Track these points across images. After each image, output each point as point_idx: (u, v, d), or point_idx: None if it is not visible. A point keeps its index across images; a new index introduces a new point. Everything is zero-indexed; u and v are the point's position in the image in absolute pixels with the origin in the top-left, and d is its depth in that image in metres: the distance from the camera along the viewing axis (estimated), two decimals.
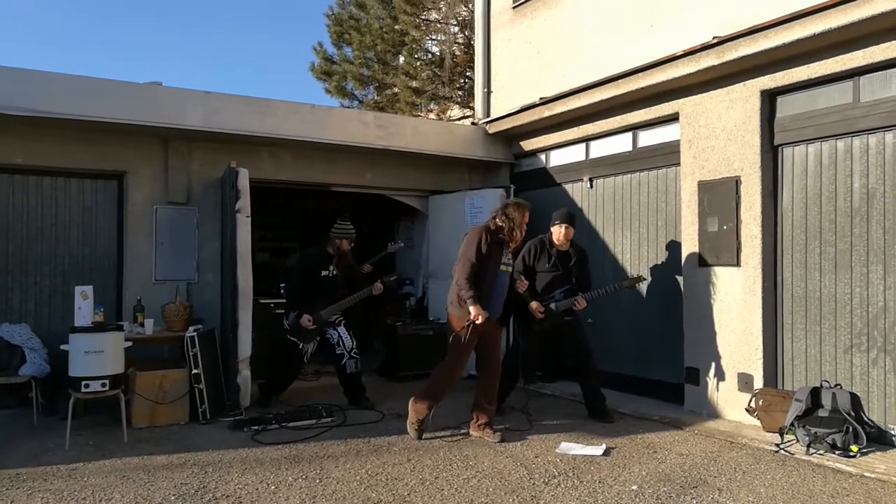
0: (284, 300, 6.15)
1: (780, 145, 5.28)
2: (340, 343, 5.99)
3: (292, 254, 9.87)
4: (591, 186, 7.00)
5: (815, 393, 4.79)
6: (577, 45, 6.99)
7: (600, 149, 6.94)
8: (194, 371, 5.37)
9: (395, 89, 13.73)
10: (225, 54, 45.72)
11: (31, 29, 43.68)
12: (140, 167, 6.48)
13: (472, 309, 4.72)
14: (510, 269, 5.06)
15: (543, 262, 5.51)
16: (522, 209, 4.96)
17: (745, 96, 5.38)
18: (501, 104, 7.98)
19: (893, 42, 4.47)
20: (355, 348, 6.04)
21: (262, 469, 4.24)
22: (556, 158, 7.52)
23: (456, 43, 13.07)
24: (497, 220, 4.94)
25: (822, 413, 4.69)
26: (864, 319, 4.77)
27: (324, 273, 5.95)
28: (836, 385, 4.80)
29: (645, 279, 5.77)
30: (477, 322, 4.73)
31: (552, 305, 5.43)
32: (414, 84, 13.16)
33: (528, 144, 7.74)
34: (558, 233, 5.52)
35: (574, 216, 5.69)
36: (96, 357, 4.67)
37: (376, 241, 6.28)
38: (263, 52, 44.95)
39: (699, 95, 5.73)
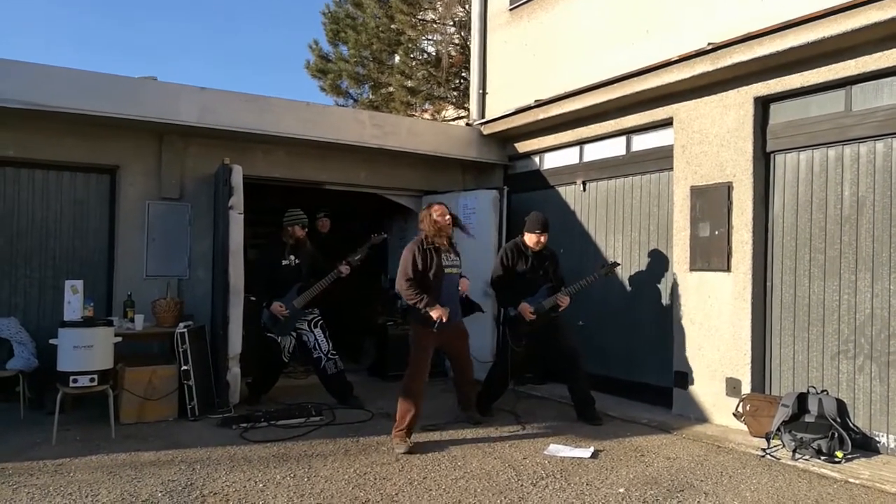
0: (253, 298, 6.09)
1: (773, 152, 5.32)
2: (317, 347, 6.00)
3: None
4: (585, 189, 7.02)
5: (802, 399, 4.83)
6: (573, 49, 7.01)
7: (594, 152, 6.96)
8: (184, 367, 5.36)
9: (391, 88, 13.70)
10: (223, 53, 45.55)
11: (43, 29, 43.42)
12: (133, 162, 6.45)
13: (433, 312, 4.78)
14: (455, 269, 5.12)
15: (521, 264, 5.56)
16: (430, 208, 5.08)
17: (738, 103, 5.42)
18: (496, 106, 7.99)
19: (885, 52, 4.51)
20: (332, 350, 6.04)
21: (251, 467, 4.23)
22: (550, 161, 7.54)
23: (452, 43, 13.07)
24: (422, 233, 5.04)
25: (808, 419, 4.73)
26: (852, 326, 4.81)
27: (284, 262, 5.98)
28: (822, 391, 4.84)
29: (619, 264, 5.80)
30: (444, 319, 4.79)
31: (541, 302, 5.48)
32: (409, 84, 13.14)
33: (523, 146, 7.75)
34: (535, 240, 5.53)
35: (548, 223, 5.64)
36: (85, 352, 4.65)
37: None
38: (260, 50, 44.82)
39: (693, 101, 5.76)
